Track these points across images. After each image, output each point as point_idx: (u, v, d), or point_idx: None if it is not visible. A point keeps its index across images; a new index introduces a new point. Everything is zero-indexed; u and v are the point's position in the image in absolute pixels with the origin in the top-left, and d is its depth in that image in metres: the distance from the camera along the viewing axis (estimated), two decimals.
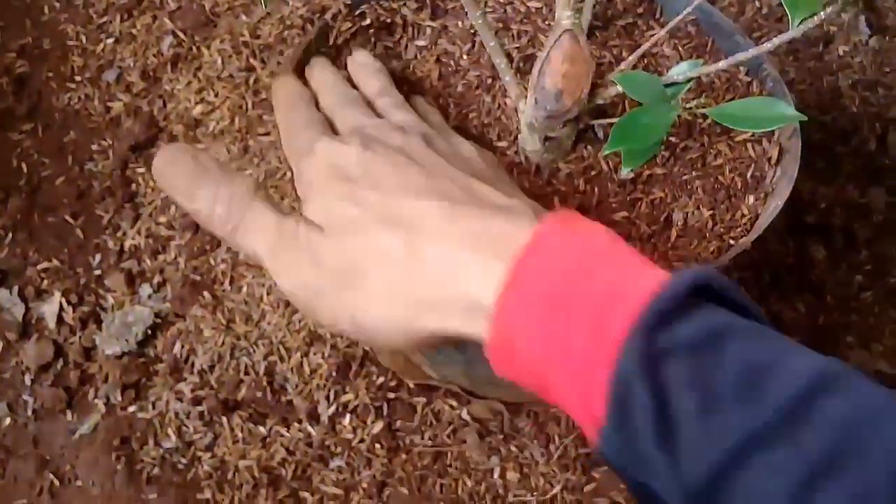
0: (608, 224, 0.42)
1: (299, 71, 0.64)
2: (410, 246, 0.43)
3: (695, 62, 0.54)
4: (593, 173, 0.59)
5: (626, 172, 0.56)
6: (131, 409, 0.77)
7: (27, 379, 0.78)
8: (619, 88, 0.55)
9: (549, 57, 0.54)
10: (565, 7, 0.54)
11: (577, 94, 0.55)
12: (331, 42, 0.67)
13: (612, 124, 0.51)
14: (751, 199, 0.60)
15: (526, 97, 0.57)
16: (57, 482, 0.73)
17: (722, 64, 0.55)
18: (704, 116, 0.60)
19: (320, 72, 0.61)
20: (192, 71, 0.93)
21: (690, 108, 0.52)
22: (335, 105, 0.57)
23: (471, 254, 0.42)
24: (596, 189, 0.59)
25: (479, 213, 0.44)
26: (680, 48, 0.66)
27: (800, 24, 0.48)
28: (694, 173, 0.60)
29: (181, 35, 0.96)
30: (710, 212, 0.58)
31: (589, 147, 0.59)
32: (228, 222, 0.47)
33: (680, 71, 0.54)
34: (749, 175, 0.60)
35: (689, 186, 0.60)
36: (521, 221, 0.43)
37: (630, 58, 0.57)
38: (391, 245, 0.44)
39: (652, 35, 0.67)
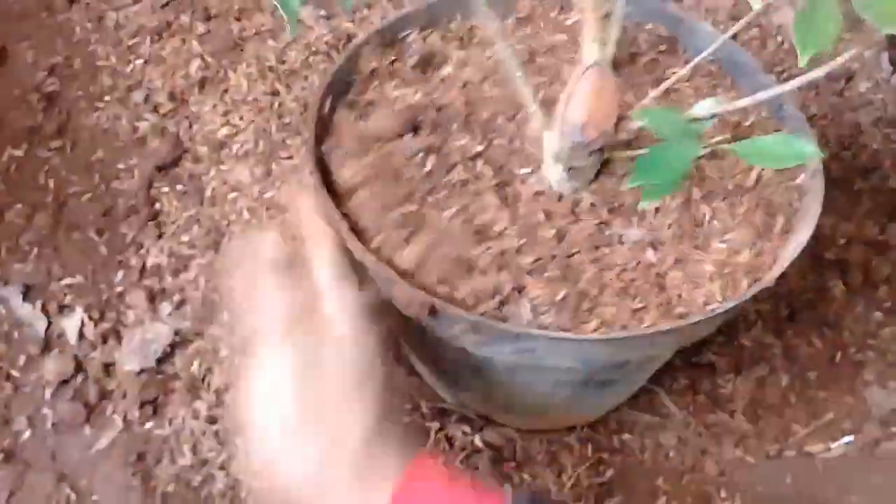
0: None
1: (329, 94, 0.65)
2: None
3: (717, 99, 0.55)
4: (616, 204, 0.59)
5: (645, 205, 0.57)
6: (148, 425, 0.77)
7: (47, 393, 0.79)
8: (642, 122, 0.55)
9: (575, 89, 0.55)
10: (592, 41, 0.54)
11: (602, 127, 0.55)
12: (358, 70, 0.68)
13: (635, 157, 0.52)
14: (773, 234, 0.60)
15: (550, 128, 0.58)
16: (74, 496, 0.74)
17: (744, 102, 0.55)
18: (726, 153, 0.60)
19: None
20: (218, 94, 0.95)
21: (713, 144, 0.52)
22: None
23: None
24: (619, 220, 0.59)
25: None
26: (702, 85, 0.67)
27: (818, 63, 0.49)
28: (716, 208, 0.60)
29: (209, 58, 0.98)
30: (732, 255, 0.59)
31: (612, 178, 0.60)
32: None
33: (703, 108, 0.54)
34: (772, 211, 0.61)
35: (712, 221, 0.60)
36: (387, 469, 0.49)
37: (653, 93, 0.58)
38: None
39: (674, 72, 0.68)
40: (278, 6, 0.43)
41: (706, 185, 0.61)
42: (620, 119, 0.57)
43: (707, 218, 0.60)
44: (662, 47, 0.69)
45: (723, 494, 0.74)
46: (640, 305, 0.55)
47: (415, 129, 0.64)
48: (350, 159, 0.63)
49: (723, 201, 0.61)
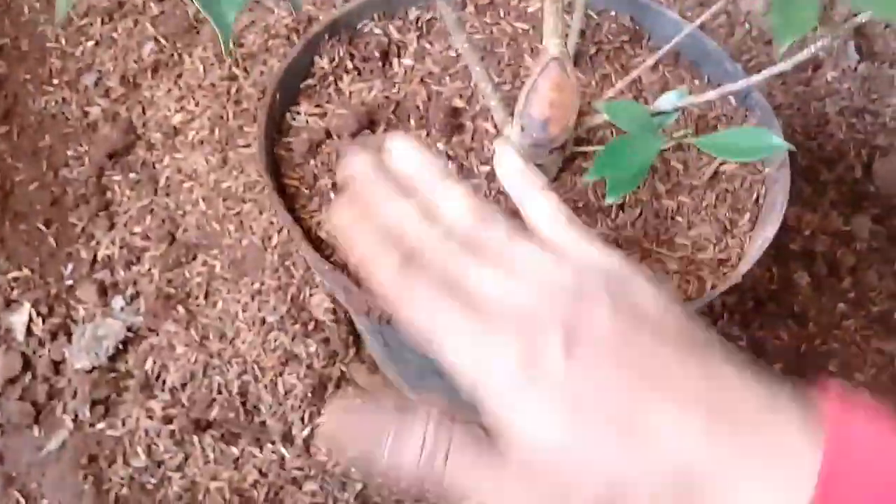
0: None
1: (281, 89, 0.62)
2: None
3: (682, 91, 0.53)
4: (579, 203, 0.58)
5: (610, 201, 0.55)
6: (100, 425, 0.75)
7: None
8: (606, 116, 0.54)
9: (535, 85, 0.53)
10: (553, 34, 0.52)
11: (564, 123, 0.53)
12: (313, 63, 0.65)
13: (597, 152, 0.50)
14: (739, 229, 0.59)
15: (511, 123, 0.56)
16: (23, 500, 0.71)
17: (710, 95, 0.54)
18: (691, 145, 0.59)
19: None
20: (172, 78, 0.92)
21: (677, 138, 0.51)
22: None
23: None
24: (583, 217, 0.58)
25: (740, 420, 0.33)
26: (668, 75, 0.65)
27: (785, 54, 0.47)
28: (681, 203, 0.59)
29: (163, 41, 0.94)
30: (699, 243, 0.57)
31: (575, 176, 0.58)
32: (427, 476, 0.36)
33: (667, 101, 0.53)
34: (737, 205, 0.60)
35: (676, 217, 0.59)
36: (792, 421, 0.33)
37: (617, 85, 0.56)
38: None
39: (639, 61, 0.66)
40: (212, 24, 0.37)
41: (671, 180, 0.60)
42: (583, 114, 0.55)
43: (672, 213, 0.59)
44: (626, 36, 0.67)
45: None
46: None
47: (371, 126, 0.62)
48: (303, 161, 0.60)
49: (688, 195, 0.60)
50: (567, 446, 0.33)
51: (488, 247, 0.38)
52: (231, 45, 0.49)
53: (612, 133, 0.60)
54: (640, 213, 0.58)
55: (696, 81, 0.66)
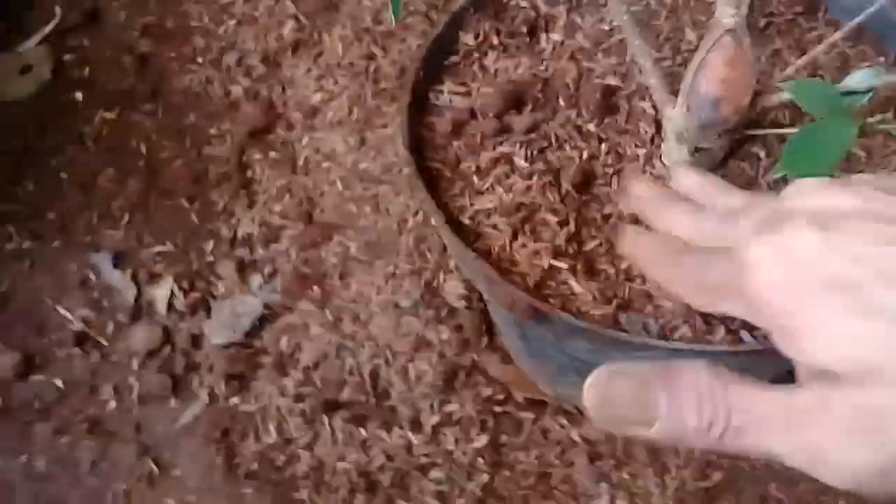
0: None
1: (424, 67, 0.60)
2: None
3: (876, 69, 0.47)
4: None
5: None
6: (234, 400, 0.75)
7: (134, 363, 0.78)
8: (784, 97, 0.48)
9: (706, 60, 0.48)
10: (727, 3, 0.48)
11: (738, 103, 0.49)
12: (457, 39, 0.63)
13: (777, 137, 0.45)
14: None
15: (674, 103, 0.52)
16: (157, 470, 0.73)
17: None
18: (875, 130, 0.53)
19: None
20: (312, 57, 0.91)
21: (875, 124, 0.45)
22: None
23: None
24: None
25: None
26: (848, 52, 0.59)
27: None
28: None
29: (303, 19, 0.94)
30: None
31: (743, 162, 0.53)
32: (712, 428, 0.33)
33: (859, 79, 0.47)
34: None
35: None
36: None
37: (798, 62, 0.51)
38: None
39: (814, 36, 0.60)
40: None
41: (852, 169, 0.54)
42: (757, 93, 0.50)
43: None
44: (800, 7, 0.62)
45: None
46: None
47: (518, 106, 0.59)
48: (446, 142, 0.58)
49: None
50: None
51: None
52: (398, 10, 0.47)
53: (784, 116, 0.55)
54: None
55: (882, 59, 0.59)
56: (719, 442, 0.32)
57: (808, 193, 0.34)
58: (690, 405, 0.32)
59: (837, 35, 0.49)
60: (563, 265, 0.51)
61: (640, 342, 0.46)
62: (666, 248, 0.39)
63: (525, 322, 0.51)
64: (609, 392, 0.34)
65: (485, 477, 0.69)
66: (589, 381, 0.34)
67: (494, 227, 0.53)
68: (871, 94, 0.46)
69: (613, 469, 0.69)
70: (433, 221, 0.54)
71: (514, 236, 0.53)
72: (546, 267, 0.51)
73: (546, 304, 0.49)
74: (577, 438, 0.70)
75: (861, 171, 0.54)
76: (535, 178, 0.55)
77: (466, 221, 0.54)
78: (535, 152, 0.56)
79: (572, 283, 0.50)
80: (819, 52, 0.50)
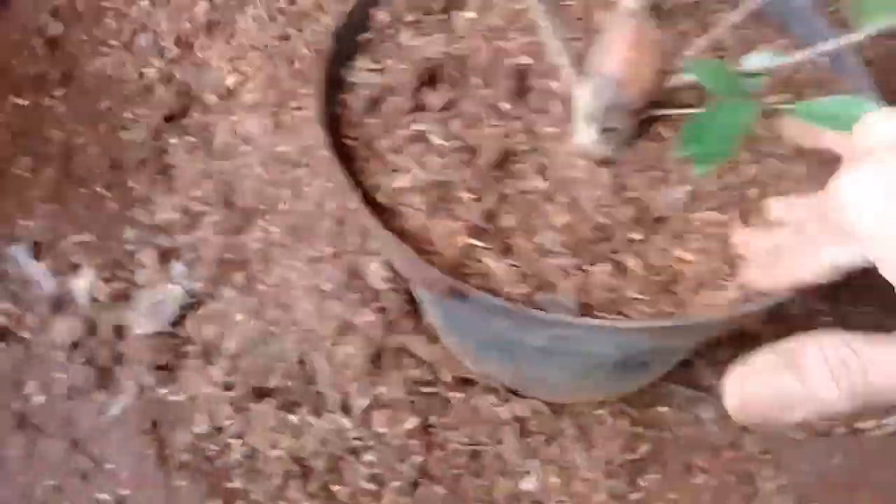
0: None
1: (338, 44, 0.59)
2: None
3: (774, 51, 0.48)
4: (658, 171, 0.54)
5: (699, 173, 0.51)
6: (162, 391, 0.74)
7: (59, 356, 0.76)
8: (687, 77, 0.49)
9: (611, 39, 0.49)
10: None
11: (642, 84, 0.50)
12: (371, 16, 0.62)
13: (680, 116, 0.46)
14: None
15: (582, 83, 0.52)
16: (88, 463, 0.71)
17: (802, 55, 0.49)
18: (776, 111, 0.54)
19: None
20: (226, 38, 0.90)
21: (770, 105, 0.46)
22: None
23: None
24: (661, 187, 0.53)
25: None
26: (749, 33, 0.60)
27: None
28: (767, 170, 0.54)
29: (216, 0, 0.92)
30: None
31: (652, 142, 0.54)
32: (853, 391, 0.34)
33: (757, 60, 0.48)
34: (828, 176, 0.55)
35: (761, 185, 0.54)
36: None
37: (701, 41, 0.52)
38: None
39: (720, 15, 0.61)
40: None
41: (756, 147, 0.55)
42: (663, 73, 0.51)
43: (756, 182, 0.54)
44: None
45: (765, 473, 0.70)
46: (682, 289, 0.50)
47: (432, 83, 0.59)
48: (360, 119, 0.57)
49: (775, 165, 0.55)
50: None
51: None
52: None
53: (692, 96, 0.56)
54: (723, 187, 0.54)
55: (782, 40, 0.60)
56: (864, 401, 0.33)
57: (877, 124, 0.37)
58: (824, 379, 0.33)
59: (735, 16, 0.50)
60: (479, 243, 0.51)
61: (558, 320, 0.47)
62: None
63: (444, 301, 0.51)
64: (745, 395, 0.36)
65: (417, 458, 0.70)
66: (725, 388, 0.36)
67: (411, 205, 0.53)
68: (767, 75, 0.47)
69: (543, 444, 0.70)
70: (350, 202, 0.54)
71: (431, 215, 0.53)
72: (463, 245, 0.51)
73: (464, 283, 0.49)
74: (506, 416, 0.71)
75: (763, 154, 0.55)
76: (450, 155, 0.55)
77: (383, 200, 0.54)
78: (450, 130, 0.56)
79: (489, 261, 0.51)
80: (720, 33, 0.51)
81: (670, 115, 0.54)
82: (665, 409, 0.72)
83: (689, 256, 0.51)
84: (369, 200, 0.54)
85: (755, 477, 0.69)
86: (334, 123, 0.58)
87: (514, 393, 0.70)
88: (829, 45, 0.49)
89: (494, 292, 0.49)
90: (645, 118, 0.54)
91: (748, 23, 0.60)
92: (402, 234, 0.52)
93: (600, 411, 0.71)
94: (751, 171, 0.54)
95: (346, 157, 0.57)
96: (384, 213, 0.54)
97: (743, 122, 0.43)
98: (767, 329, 0.74)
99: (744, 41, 0.59)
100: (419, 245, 0.52)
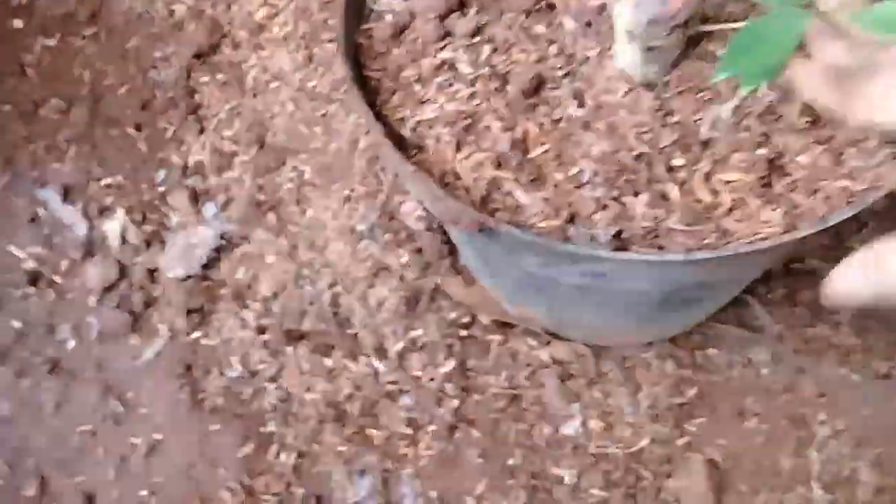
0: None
1: None
2: None
3: None
4: (705, 95, 0.49)
5: (745, 92, 0.46)
6: (195, 335, 0.73)
7: (91, 300, 0.75)
8: None
9: None
10: None
11: None
12: None
13: (731, 31, 0.41)
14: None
15: None
16: (121, 408, 0.71)
17: None
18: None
19: None
20: None
21: (826, 14, 0.41)
22: None
23: None
24: (709, 107, 0.49)
25: None
26: None
27: None
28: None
29: None
30: (846, 148, 0.48)
31: (700, 61, 0.49)
32: None
33: None
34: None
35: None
36: None
37: None
38: None
39: None
40: None
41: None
42: None
43: (812, 110, 0.49)
44: None
45: (821, 417, 0.66)
46: (725, 217, 0.46)
47: (462, 7, 0.55)
48: (386, 49, 0.54)
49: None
50: None
51: None
52: None
53: (743, 13, 0.50)
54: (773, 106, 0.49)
55: None
56: None
57: None
58: None
59: None
60: (507, 175, 0.48)
61: (590, 255, 0.44)
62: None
63: (474, 238, 0.48)
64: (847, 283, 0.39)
65: (454, 402, 0.68)
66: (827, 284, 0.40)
67: (437, 138, 0.50)
68: None
69: (585, 388, 0.67)
70: (372, 136, 0.51)
71: (458, 147, 0.49)
72: (491, 178, 0.48)
73: (491, 217, 0.46)
74: (546, 359, 0.68)
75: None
76: (479, 84, 0.51)
77: (408, 134, 0.51)
78: (479, 57, 0.52)
79: (518, 193, 0.48)
80: None
81: (721, 31, 0.49)
82: (715, 351, 0.68)
83: (735, 178, 0.46)
84: (394, 134, 0.51)
85: (810, 421, 0.65)
86: (357, 54, 0.54)
87: (556, 336, 0.67)
88: None
89: (522, 226, 0.45)
90: (693, 34, 0.49)
91: None
92: (428, 168, 0.49)
93: (646, 354, 0.67)
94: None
95: (371, 88, 0.53)
96: (409, 148, 0.51)
97: (796, 34, 0.38)
98: (825, 266, 0.70)
99: None
100: (445, 179, 0.49)
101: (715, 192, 0.47)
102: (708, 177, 0.47)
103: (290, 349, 0.71)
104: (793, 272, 0.69)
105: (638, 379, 0.67)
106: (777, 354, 0.68)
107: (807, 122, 0.48)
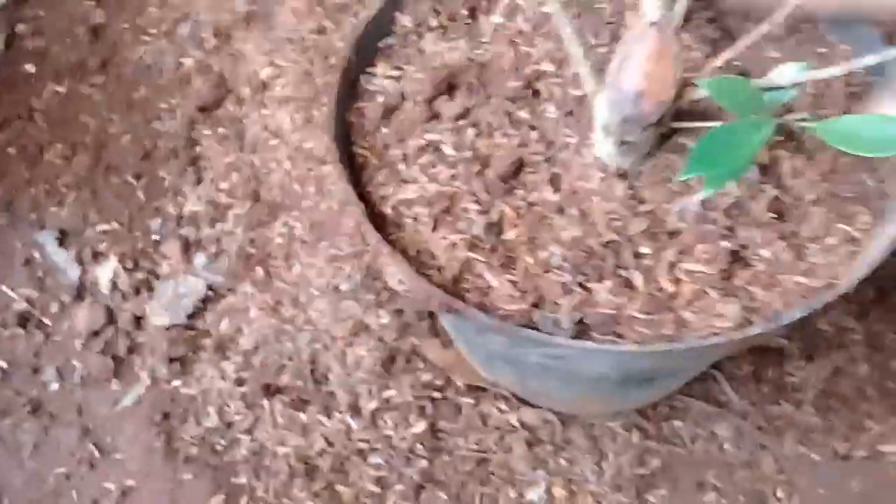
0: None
1: (358, 50, 0.58)
2: None
3: (802, 64, 0.46)
4: (673, 186, 0.51)
5: (706, 194, 0.49)
6: (175, 383, 0.75)
7: (77, 344, 0.77)
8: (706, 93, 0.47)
9: (629, 53, 0.47)
10: None
11: (660, 97, 0.48)
12: (395, 20, 0.61)
13: (703, 128, 0.44)
14: (856, 224, 0.51)
15: (601, 94, 0.50)
16: (97, 453, 0.72)
17: (836, 70, 0.46)
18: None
19: None
20: (263, 31, 0.90)
21: (790, 123, 0.44)
22: None
23: None
24: (677, 199, 0.51)
25: None
26: (787, 39, 0.57)
27: None
28: (790, 193, 0.52)
29: None
30: (807, 244, 0.50)
31: (673, 154, 0.52)
32: None
33: (783, 74, 0.46)
34: (854, 201, 0.52)
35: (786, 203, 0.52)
36: None
37: (723, 54, 0.50)
38: None
39: (751, 25, 0.58)
40: None
41: (778, 164, 0.52)
42: (684, 85, 0.49)
43: (778, 205, 0.52)
44: None
45: (779, 494, 0.67)
46: (685, 307, 0.48)
47: (450, 91, 0.57)
48: (375, 128, 0.57)
49: (796, 181, 0.52)
50: None
51: None
52: None
53: (717, 107, 0.53)
54: (740, 203, 0.51)
55: (822, 49, 0.58)
56: None
57: None
58: None
59: (764, 27, 0.48)
60: (480, 258, 0.50)
61: (549, 341, 0.46)
62: None
63: (445, 314, 0.50)
64: None
65: (423, 462, 0.69)
66: None
67: (416, 218, 0.53)
68: (794, 90, 0.45)
69: (551, 455, 0.69)
70: (354, 213, 0.53)
71: (435, 227, 0.52)
72: (464, 259, 0.50)
73: (458, 300, 0.48)
74: (515, 423, 0.70)
75: (785, 170, 0.52)
76: (460, 166, 0.54)
77: (388, 211, 0.53)
78: (463, 139, 0.55)
79: (489, 276, 0.50)
80: (746, 44, 0.49)
81: (693, 127, 0.51)
82: (680, 423, 0.70)
83: (697, 269, 0.49)
84: (375, 211, 0.53)
85: (768, 498, 0.67)
86: (348, 131, 0.57)
87: (526, 402, 0.69)
88: (874, 58, 0.46)
89: (489, 309, 0.48)
90: (666, 130, 0.52)
91: (789, 32, 0.57)
92: (405, 246, 0.52)
93: (612, 423, 0.69)
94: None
95: (358, 165, 0.56)
96: (389, 225, 0.53)
97: (755, 142, 0.41)
98: (792, 344, 0.72)
99: (780, 49, 0.56)
100: (421, 257, 0.51)
101: (677, 282, 0.49)
102: (672, 266, 0.49)
103: (266, 402, 0.72)
104: (759, 350, 0.71)
105: (603, 448, 0.68)
106: (740, 430, 0.69)
107: (772, 216, 0.51)
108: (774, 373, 0.72)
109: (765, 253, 0.49)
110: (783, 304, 0.48)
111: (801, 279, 0.49)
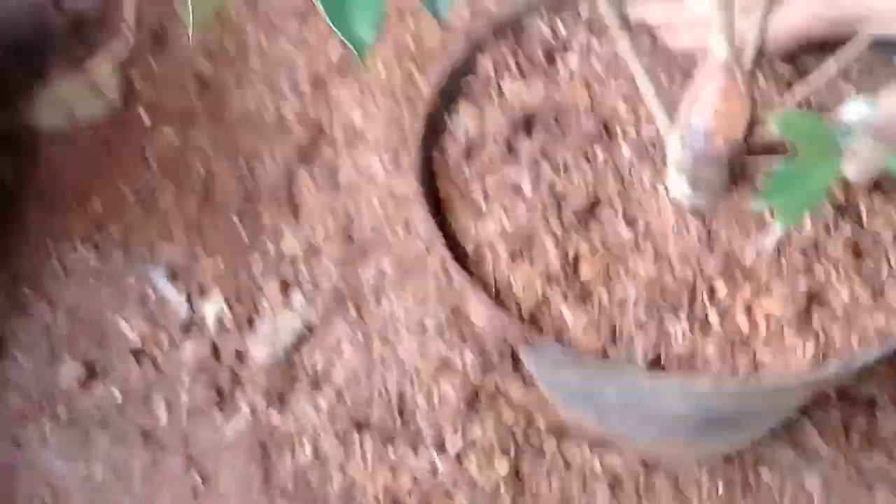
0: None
1: (442, 92, 0.61)
2: None
3: (871, 101, 0.44)
4: (749, 223, 0.51)
5: (777, 230, 0.48)
6: (273, 416, 0.78)
7: (184, 377, 0.81)
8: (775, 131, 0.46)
9: (699, 92, 0.47)
10: (720, 31, 0.46)
11: (731, 135, 0.47)
12: (476, 64, 0.63)
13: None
14: None
15: (675, 131, 0.50)
16: (201, 482, 0.76)
17: None
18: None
19: None
20: (356, 79, 0.93)
21: (861, 162, 0.43)
22: None
23: None
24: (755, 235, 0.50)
25: None
26: (863, 76, 0.56)
27: None
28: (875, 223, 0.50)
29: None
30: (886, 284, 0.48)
31: (747, 192, 0.51)
32: None
33: (853, 110, 0.45)
34: None
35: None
36: None
37: (795, 89, 0.49)
38: None
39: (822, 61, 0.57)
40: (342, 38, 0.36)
41: (854, 201, 0.50)
42: (754, 122, 0.48)
43: (855, 243, 0.50)
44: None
45: None
46: (771, 350, 0.47)
47: (527, 129, 0.59)
48: (458, 166, 0.58)
49: (873, 219, 0.50)
50: None
51: None
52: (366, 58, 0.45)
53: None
54: (822, 237, 0.50)
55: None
56: None
57: None
58: None
59: (833, 63, 0.47)
60: (556, 293, 0.51)
61: (623, 374, 0.46)
62: None
63: (524, 348, 0.51)
64: None
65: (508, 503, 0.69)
66: None
67: (495, 252, 0.54)
68: (864, 127, 0.44)
69: (635, 502, 0.67)
70: (438, 250, 0.55)
71: (513, 262, 0.53)
72: (541, 294, 0.51)
73: (538, 332, 0.49)
74: (598, 468, 0.69)
75: (869, 206, 0.50)
76: (538, 203, 0.55)
77: (469, 247, 0.55)
78: (540, 177, 0.56)
79: (565, 311, 0.50)
80: (819, 82, 0.48)
81: (769, 163, 0.51)
82: (767, 472, 0.67)
83: (774, 309, 0.47)
84: (456, 246, 0.55)
85: None
86: (432, 169, 0.59)
87: (608, 445, 0.68)
88: None
89: (565, 343, 0.48)
90: (741, 167, 0.51)
91: (862, 67, 0.56)
92: (485, 280, 0.53)
93: (698, 471, 0.67)
94: None
95: (441, 201, 0.58)
96: (469, 259, 0.54)
97: (825, 178, 0.40)
98: (882, 394, 0.68)
99: (856, 86, 0.54)
100: (499, 292, 0.52)
101: (753, 322, 0.48)
102: (748, 306, 0.48)
103: (356, 437, 0.74)
104: (849, 398, 0.68)
105: (688, 496, 0.66)
106: (829, 482, 0.66)
107: (849, 255, 0.49)
108: (864, 423, 0.69)
109: (843, 292, 0.47)
110: (861, 344, 0.46)
111: (881, 319, 0.47)
